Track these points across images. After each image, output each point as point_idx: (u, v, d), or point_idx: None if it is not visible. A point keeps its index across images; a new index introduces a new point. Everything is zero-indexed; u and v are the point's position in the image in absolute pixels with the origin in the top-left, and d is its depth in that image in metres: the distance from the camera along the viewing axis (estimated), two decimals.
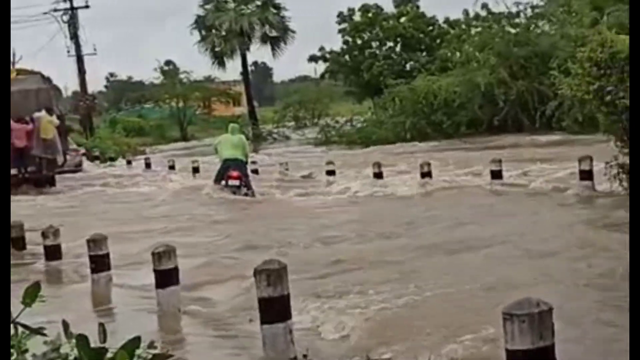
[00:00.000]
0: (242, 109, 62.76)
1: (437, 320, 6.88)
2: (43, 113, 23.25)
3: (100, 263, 9.20)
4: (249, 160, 18.84)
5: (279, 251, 10.39)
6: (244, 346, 6.66)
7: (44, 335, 2.89)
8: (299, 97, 64.85)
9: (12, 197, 21.29)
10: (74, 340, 2.70)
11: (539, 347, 3.83)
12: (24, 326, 2.87)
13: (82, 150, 35.33)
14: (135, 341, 2.70)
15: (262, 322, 6.15)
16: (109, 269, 9.27)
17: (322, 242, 11.39)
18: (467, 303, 7.35)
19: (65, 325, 2.85)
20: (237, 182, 17.74)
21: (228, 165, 18.03)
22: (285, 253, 10.28)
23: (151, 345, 2.88)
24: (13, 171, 22.19)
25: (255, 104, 58.64)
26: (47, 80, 27.78)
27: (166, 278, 7.80)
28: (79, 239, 10.46)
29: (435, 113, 35.72)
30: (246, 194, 17.82)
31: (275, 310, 6.11)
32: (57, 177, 24.65)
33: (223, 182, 18.12)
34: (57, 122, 23.92)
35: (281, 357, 6.09)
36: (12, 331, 2.72)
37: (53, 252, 10.65)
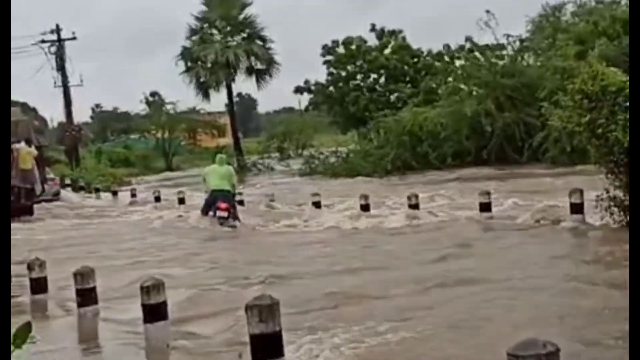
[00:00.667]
0: (227, 140, 62.71)
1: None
2: (22, 144, 23.72)
3: (86, 297, 9.04)
4: (236, 191, 18.75)
5: (265, 284, 10.29)
6: None
7: None
8: (283, 128, 64.89)
9: None
10: None
11: None
12: None
13: (58, 180, 35.56)
14: None
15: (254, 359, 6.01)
16: (95, 302, 9.10)
17: (309, 275, 11.24)
18: (456, 340, 7.23)
19: None
20: (225, 214, 17.68)
21: (215, 196, 18.04)
22: (271, 284, 10.20)
23: None
24: None
25: (240, 135, 58.61)
26: (33, 110, 28.32)
27: (155, 312, 7.66)
28: (64, 272, 10.29)
29: (421, 145, 35.76)
30: (233, 226, 17.73)
31: (267, 347, 5.97)
32: (46, 206, 24.86)
33: (211, 213, 18.07)
34: (35, 152, 24.49)
35: None
36: None
37: (39, 285, 10.45)
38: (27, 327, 2.87)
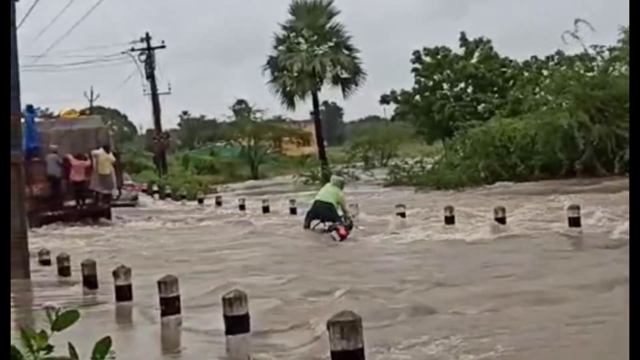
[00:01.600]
0: (312, 149, 62.94)
1: None
2: (101, 151, 24.96)
3: (170, 305, 9.11)
4: (344, 208, 18.64)
5: (348, 296, 10.23)
6: None
7: None
8: (368, 137, 64.78)
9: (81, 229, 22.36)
10: None
11: None
12: None
13: (138, 186, 36.81)
14: None
15: None
16: (178, 311, 9.16)
17: (390, 289, 11.08)
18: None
19: None
20: (338, 238, 17.61)
21: (317, 206, 18.55)
22: (355, 297, 10.13)
23: None
24: (72, 203, 24.76)
25: (325, 143, 58.65)
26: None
27: (236, 324, 7.66)
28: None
29: (509, 156, 35.15)
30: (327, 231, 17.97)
31: None
32: (137, 212, 26.02)
33: (321, 225, 18.29)
34: (113, 159, 25.57)
35: None
36: None
37: (124, 292, 10.60)
38: (106, 342, 2.86)
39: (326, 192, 18.85)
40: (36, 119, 25.50)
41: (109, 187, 25.19)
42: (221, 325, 7.90)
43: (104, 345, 2.85)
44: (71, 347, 2.83)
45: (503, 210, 18.14)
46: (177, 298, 9.16)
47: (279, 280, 12.18)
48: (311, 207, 19.15)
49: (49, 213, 24.00)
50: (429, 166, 40.76)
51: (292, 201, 27.57)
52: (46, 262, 15.00)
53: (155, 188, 41.29)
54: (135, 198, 32.99)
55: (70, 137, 25.04)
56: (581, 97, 33.73)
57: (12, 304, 6.27)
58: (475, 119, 42.12)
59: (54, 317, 2.83)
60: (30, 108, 24.32)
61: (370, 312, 8.23)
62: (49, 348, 2.78)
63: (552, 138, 33.62)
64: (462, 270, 12.29)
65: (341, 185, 19.62)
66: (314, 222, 18.65)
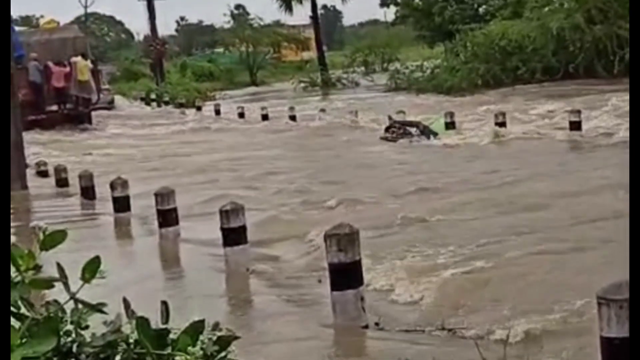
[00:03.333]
0: (311, 54, 62.19)
1: (511, 287, 6.60)
2: (79, 58, 26.22)
3: (168, 217, 9.07)
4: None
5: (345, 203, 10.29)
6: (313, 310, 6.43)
7: (104, 313, 2.74)
8: (368, 42, 63.82)
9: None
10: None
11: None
12: (84, 303, 2.73)
13: (114, 90, 38.81)
14: (199, 324, 2.53)
15: (332, 289, 5.91)
16: (176, 223, 9.12)
17: (393, 195, 11.09)
18: (542, 268, 7.03)
19: (127, 304, 2.71)
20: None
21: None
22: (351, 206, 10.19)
23: (215, 327, 2.72)
24: (53, 107, 26.24)
25: (324, 48, 57.79)
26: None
27: (234, 236, 7.63)
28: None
29: (510, 59, 34.70)
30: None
31: (345, 276, 5.87)
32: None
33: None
34: (91, 65, 27.04)
35: (352, 324, 5.86)
36: (73, 306, 2.63)
37: (121, 204, 10.56)
38: (95, 262, 2.78)
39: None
40: (17, 28, 26.22)
41: (88, 92, 26.33)
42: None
43: (93, 265, 2.79)
44: (60, 267, 2.77)
45: (503, 115, 18.08)
46: (174, 210, 9.11)
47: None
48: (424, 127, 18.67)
49: (33, 117, 24.52)
50: (429, 71, 40.29)
51: (292, 108, 27.50)
52: (44, 174, 14.97)
53: (152, 96, 40.99)
54: (112, 101, 34.71)
55: (50, 45, 26.15)
56: None
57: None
58: (476, 22, 41.48)
59: (41, 237, 2.76)
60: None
61: None
62: (38, 268, 2.72)
63: (547, 40, 33.19)
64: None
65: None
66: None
